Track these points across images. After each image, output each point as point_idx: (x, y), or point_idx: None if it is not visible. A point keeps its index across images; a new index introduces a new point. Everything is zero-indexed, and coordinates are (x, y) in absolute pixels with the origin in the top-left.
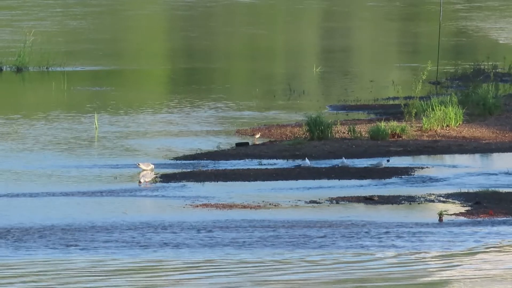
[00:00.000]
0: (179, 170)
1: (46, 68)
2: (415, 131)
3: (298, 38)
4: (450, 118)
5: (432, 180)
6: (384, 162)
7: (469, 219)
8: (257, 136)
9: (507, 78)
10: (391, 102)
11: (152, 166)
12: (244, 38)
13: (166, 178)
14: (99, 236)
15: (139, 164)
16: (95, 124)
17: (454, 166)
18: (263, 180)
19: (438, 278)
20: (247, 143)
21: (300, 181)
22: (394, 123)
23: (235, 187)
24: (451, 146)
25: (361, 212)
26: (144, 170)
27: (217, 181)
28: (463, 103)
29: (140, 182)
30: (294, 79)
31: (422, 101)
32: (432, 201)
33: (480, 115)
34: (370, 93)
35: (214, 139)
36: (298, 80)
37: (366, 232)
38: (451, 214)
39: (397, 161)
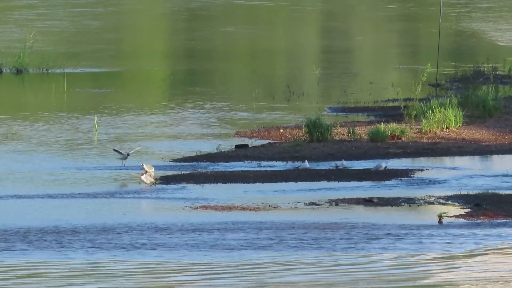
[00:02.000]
0: (179, 172)
1: (46, 70)
2: (414, 133)
3: (297, 40)
4: (449, 120)
5: (431, 182)
6: (383, 164)
7: (469, 221)
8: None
9: (507, 80)
10: (390, 104)
11: (152, 169)
12: (244, 39)
13: (166, 180)
14: (99, 237)
15: (143, 165)
16: (95, 126)
17: (453, 168)
18: (263, 182)
19: (438, 280)
20: (246, 145)
21: (299, 183)
22: (393, 125)
23: (235, 189)
24: (450, 148)
25: (361, 214)
26: (147, 171)
27: (217, 183)
28: (463, 105)
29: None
30: (293, 80)
31: (421, 103)
32: (432, 203)
33: (479, 117)
34: (370, 95)
35: (213, 141)
36: (297, 82)
37: (365, 233)
38: (450, 216)
39: (396, 163)
